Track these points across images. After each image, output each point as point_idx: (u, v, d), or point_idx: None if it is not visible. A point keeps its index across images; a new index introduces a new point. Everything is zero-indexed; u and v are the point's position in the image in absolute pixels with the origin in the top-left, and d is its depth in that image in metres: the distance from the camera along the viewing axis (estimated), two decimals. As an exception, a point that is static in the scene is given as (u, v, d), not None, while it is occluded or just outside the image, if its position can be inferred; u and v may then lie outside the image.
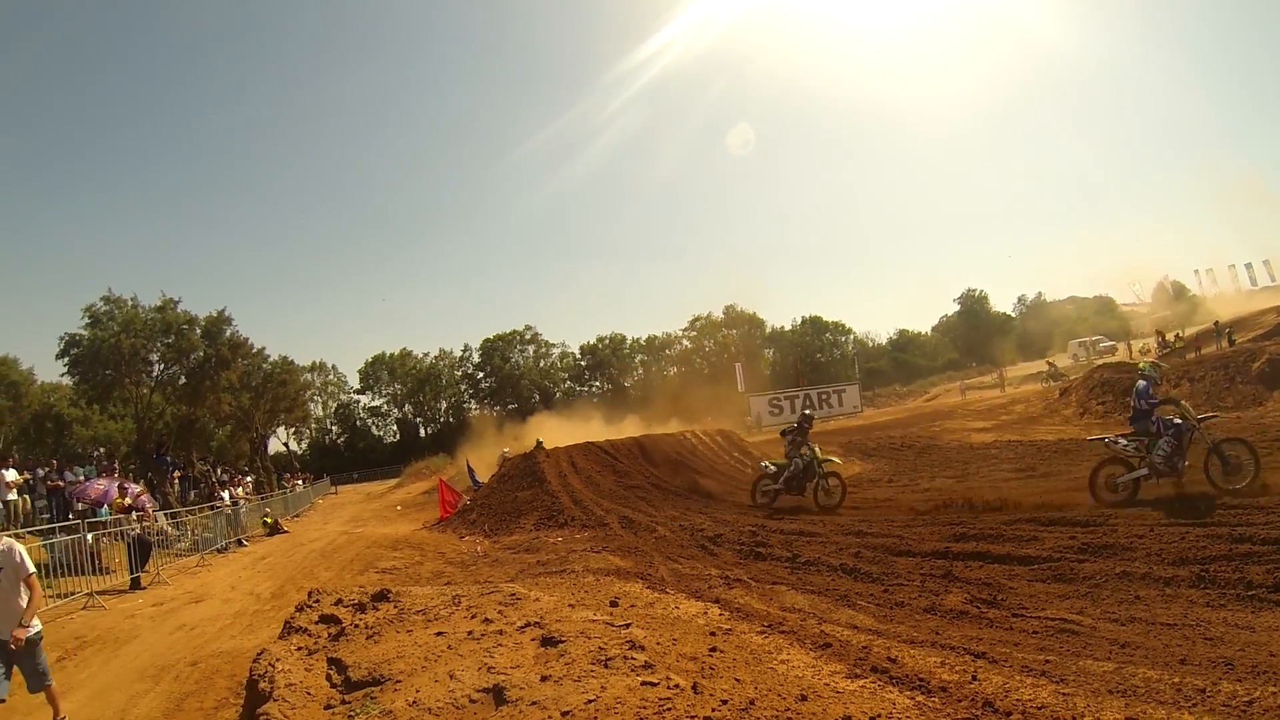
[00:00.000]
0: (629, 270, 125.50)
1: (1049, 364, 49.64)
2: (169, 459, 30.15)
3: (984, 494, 14.23)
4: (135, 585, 15.36)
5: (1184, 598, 7.70)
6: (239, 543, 22.07)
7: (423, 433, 78.76)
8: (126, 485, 19.66)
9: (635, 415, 47.28)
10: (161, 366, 38.56)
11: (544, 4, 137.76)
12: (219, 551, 20.37)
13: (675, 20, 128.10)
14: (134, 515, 17.22)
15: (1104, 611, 7.59)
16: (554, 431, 35.68)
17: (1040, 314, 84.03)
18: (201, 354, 39.29)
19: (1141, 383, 12.33)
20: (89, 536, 14.93)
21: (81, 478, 22.39)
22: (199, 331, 39.12)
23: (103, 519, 17.27)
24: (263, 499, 30.30)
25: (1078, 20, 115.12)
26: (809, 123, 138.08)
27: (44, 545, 13.86)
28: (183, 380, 39.84)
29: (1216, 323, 46.15)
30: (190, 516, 21.68)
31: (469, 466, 25.47)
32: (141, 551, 16.09)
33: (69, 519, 17.79)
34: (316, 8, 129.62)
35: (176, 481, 27.59)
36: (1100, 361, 45.34)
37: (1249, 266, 63.78)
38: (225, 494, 25.71)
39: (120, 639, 11.04)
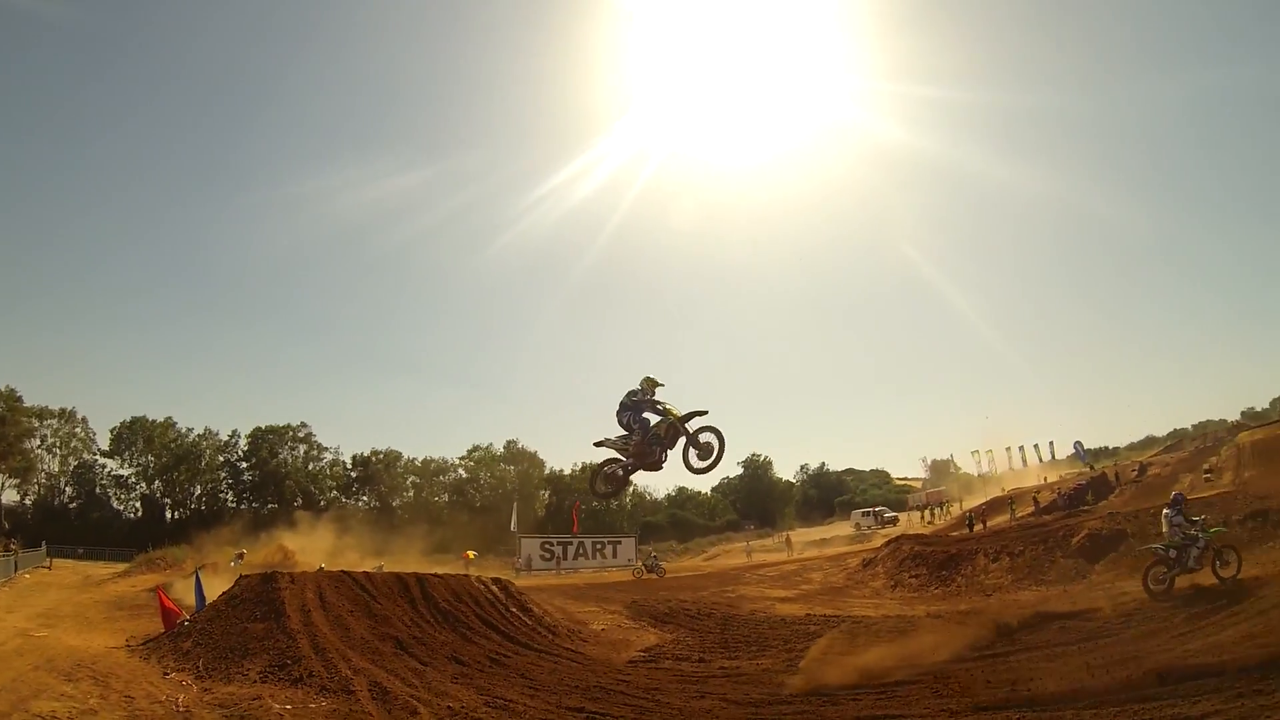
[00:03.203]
0: (417, 387, 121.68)
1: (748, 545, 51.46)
2: None
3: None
4: None
5: None
6: None
7: (169, 516, 71.07)
8: None
9: (401, 538, 44.46)
10: None
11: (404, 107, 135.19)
12: None
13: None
14: None
15: None
16: (316, 542, 32.59)
17: (821, 483, 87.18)
18: None
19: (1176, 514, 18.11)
20: None
21: None
22: None
23: None
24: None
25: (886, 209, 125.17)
26: (631, 283, 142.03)
27: None
28: None
29: (1003, 489, 54.63)
30: None
31: (198, 581, 20.65)
32: None
33: None
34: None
35: None
36: (892, 531, 48.64)
37: (1021, 449, 69.98)
38: None
39: None
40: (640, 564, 39.34)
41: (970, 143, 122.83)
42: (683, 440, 12.92)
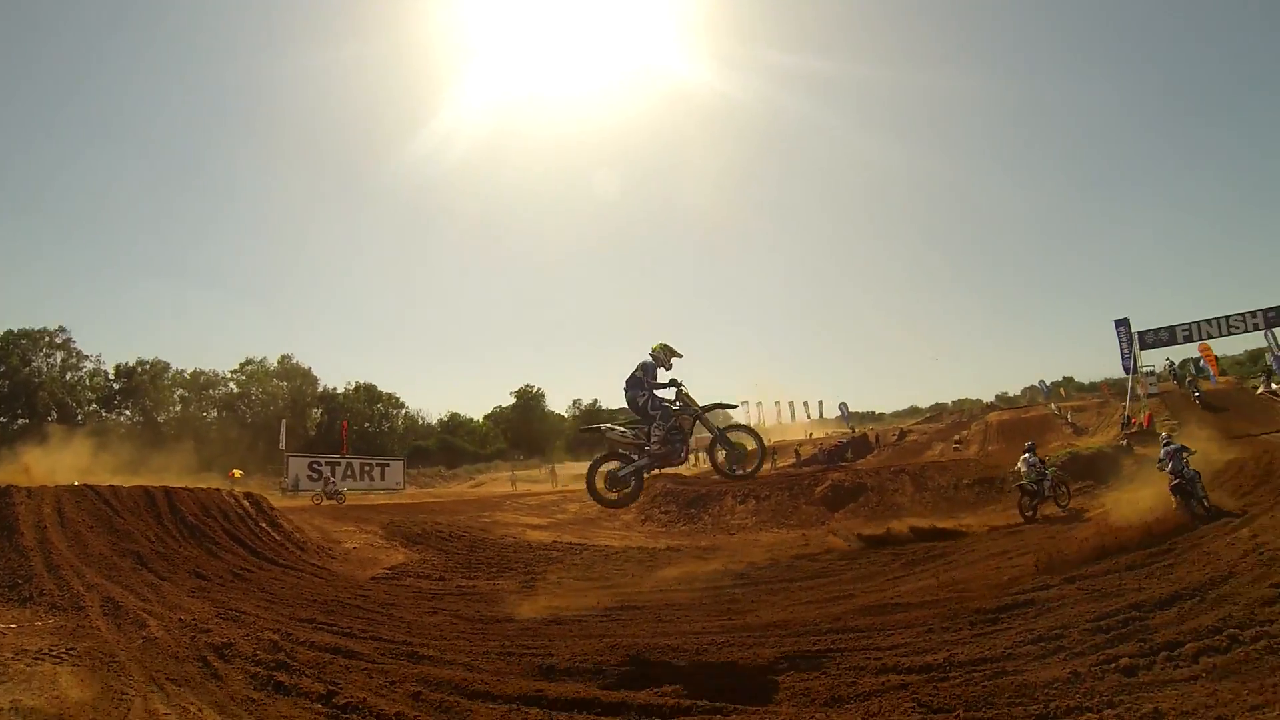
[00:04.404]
0: (189, 291, 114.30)
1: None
2: None
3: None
4: None
5: None
6: None
7: (-99, 437, 63.88)
8: None
9: (163, 455, 42.63)
10: None
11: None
12: None
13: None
14: None
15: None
16: (68, 459, 31.04)
17: (593, 420, 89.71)
18: None
19: (1032, 457, 23.19)
20: None
21: None
22: None
23: None
24: None
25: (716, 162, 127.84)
26: (430, 208, 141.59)
27: None
28: None
29: (769, 441, 55.03)
30: None
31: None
32: None
33: None
34: None
35: None
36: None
37: (790, 404, 73.47)
38: None
39: None
40: (320, 490, 38.34)
41: (784, 106, 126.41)
42: (709, 438, 11.36)
